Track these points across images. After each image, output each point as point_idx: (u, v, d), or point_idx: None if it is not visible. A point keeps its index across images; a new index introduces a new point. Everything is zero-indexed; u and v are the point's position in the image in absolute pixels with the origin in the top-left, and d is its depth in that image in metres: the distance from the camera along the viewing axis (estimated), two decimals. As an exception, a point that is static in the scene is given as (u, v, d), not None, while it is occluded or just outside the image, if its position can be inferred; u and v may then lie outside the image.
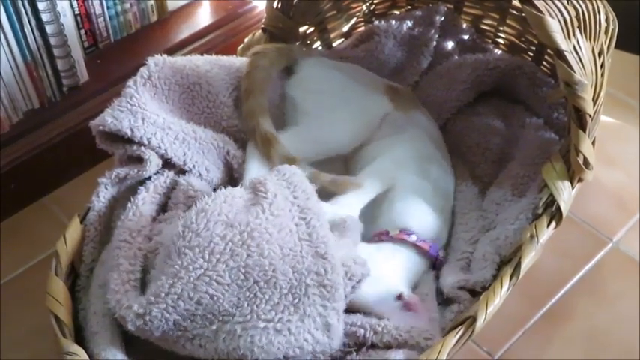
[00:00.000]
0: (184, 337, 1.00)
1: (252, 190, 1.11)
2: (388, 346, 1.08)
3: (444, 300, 1.17)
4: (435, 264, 1.24)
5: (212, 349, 0.99)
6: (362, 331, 1.09)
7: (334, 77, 1.38)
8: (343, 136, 1.32)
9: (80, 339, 1.05)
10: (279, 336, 0.99)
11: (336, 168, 1.32)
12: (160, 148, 1.20)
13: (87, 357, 0.99)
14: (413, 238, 1.22)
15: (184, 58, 1.30)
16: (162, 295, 0.99)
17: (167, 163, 1.23)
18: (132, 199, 1.16)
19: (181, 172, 1.24)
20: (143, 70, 1.25)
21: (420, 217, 1.25)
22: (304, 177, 1.15)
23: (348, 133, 1.33)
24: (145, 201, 1.17)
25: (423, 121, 1.39)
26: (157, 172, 1.22)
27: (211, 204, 1.06)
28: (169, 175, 1.22)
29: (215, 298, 0.99)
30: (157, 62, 1.26)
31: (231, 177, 1.27)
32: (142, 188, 1.18)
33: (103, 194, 1.19)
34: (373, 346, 1.09)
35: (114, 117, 1.18)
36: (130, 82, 1.24)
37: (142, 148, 1.19)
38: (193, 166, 1.23)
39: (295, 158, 1.24)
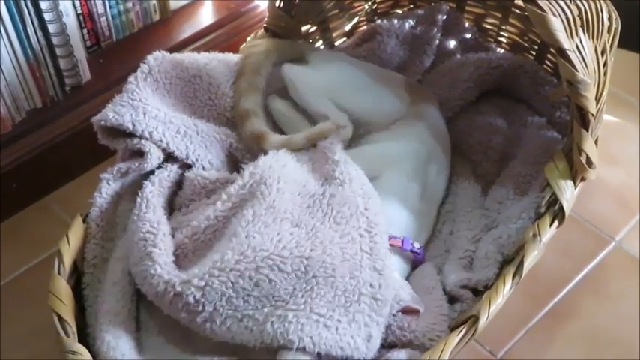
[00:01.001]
0: (233, 316, 1.01)
1: (324, 188, 1.16)
2: (392, 346, 1.08)
3: (448, 298, 1.17)
4: (416, 259, 1.23)
5: (258, 331, 1.00)
6: None
7: (353, 65, 1.41)
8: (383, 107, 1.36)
9: (83, 337, 1.05)
10: (327, 332, 1.01)
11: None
12: (161, 141, 1.20)
13: (89, 356, 0.99)
14: None
15: (182, 54, 1.31)
16: (227, 269, 1.01)
17: (170, 157, 1.23)
18: (140, 194, 1.16)
19: (185, 166, 1.24)
20: (143, 66, 1.26)
21: (394, 217, 1.24)
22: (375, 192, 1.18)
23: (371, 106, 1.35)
24: (154, 194, 1.17)
25: (434, 118, 1.39)
26: (160, 167, 1.22)
27: (277, 200, 1.10)
28: (173, 169, 1.22)
29: (273, 283, 1.01)
30: (156, 58, 1.27)
31: (237, 170, 1.27)
32: (147, 182, 1.19)
33: (106, 190, 1.19)
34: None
35: (115, 112, 1.19)
36: (131, 78, 1.24)
37: (143, 141, 1.19)
38: (196, 160, 1.23)
39: (264, 133, 1.26)
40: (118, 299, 1.07)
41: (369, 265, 1.07)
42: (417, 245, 1.23)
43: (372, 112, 1.34)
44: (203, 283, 1.00)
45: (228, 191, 1.14)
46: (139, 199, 1.16)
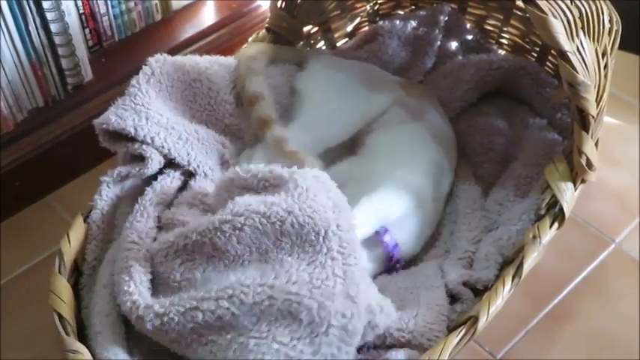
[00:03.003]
0: (198, 341, 1.00)
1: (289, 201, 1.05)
2: (391, 346, 1.09)
3: (449, 300, 1.17)
4: (392, 256, 1.22)
5: (222, 357, 0.99)
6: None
7: (341, 71, 1.40)
8: (338, 127, 1.34)
9: (83, 337, 1.05)
10: None
11: (342, 155, 1.33)
12: (163, 147, 1.20)
13: (90, 355, 1.00)
14: None
15: (184, 57, 1.31)
16: (187, 305, 0.99)
17: (172, 163, 1.23)
18: (139, 200, 1.16)
19: (187, 173, 1.24)
20: (146, 68, 1.26)
21: (406, 219, 1.25)
22: (346, 203, 1.09)
23: (344, 123, 1.34)
24: (152, 202, 1.17)
25: (434, 118, 1.39)
26: (163, 173, 1.22)
27: (243, 219, 1.03)
28: (175, 175, 1.22)
29: (236, 315, 0.99)
30: (157, 60, 1.28)
31: None
32: (148, 189, 1.19)
33: (106, 192, 1.19)
34: (375, 346, 1.09)
35: (118, 115, 1.19)
36: (134, 82, 1.24)
37: (144, 146, 1.19)
38: (198, 166, 1.23)
39: (269, 121, 1.26)
40: (108, 301, 1.07)
41: (343, 292, 1.00)
42: (387, 239, 1.21)
43: (349, 125, 1.35)
44: (162, 311, 0.99)
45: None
46: (137, 206, 1.16)
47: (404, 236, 1.24)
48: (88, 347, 1.02)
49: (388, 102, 1.37)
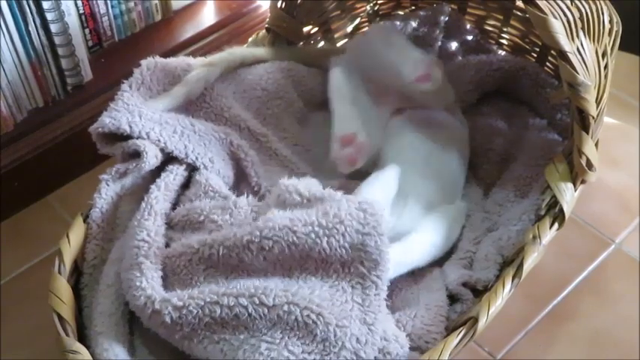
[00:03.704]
0: (210, 339, 1.00)
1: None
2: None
3: (448, 298, 1.17)
4: None
5: (231, 356, 0.99)
6: None
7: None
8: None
9: (83, 337, 1.05)
10: None
11: None
12: (159, 141, 1.21)
13: (89, 356, 0.99)
14: None
15: (177, 59, 1.30)
16: (208, 298, 0.99)
17: (174, 159, 1.23)
18: (145, 198, 1.16)
19: (190, 167, 1.24)
20: (137, 74, 1.26)
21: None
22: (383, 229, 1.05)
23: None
24: (159, 199, 1.17)
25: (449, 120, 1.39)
26: (166, 170, 1.22)
27: (271, 243, 1.04)
28: (178, 171, 1.22)
29: (252, 317, 0.99)
30: (149, 66, 1.27)
31: (239, 167, 1.28)
32: (153, 187, 1.19)
33: (105, 191, 1.19)
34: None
35: (111, 117, 1.19)
36: (125, 86, 1.25)
37: (137, 141, 1.19)
38: (196, 158, 1.23)
39: None
40: (112, 301, 1.07)
41: (359, 318, 1.01)
42: None
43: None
44: (181, 304, 0.99)
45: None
46: (143, 204, 1.16)
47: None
48: (88, 348, 1.02)
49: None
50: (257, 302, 0.99)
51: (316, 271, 1.05)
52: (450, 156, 1.33)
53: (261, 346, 0.98)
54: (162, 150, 1.21)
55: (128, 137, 1.20)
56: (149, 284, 1.03)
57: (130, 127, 1.19)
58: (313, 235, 1.03)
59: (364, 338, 1.00)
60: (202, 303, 0.99)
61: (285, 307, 0.99)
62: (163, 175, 1.21)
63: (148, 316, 1.01)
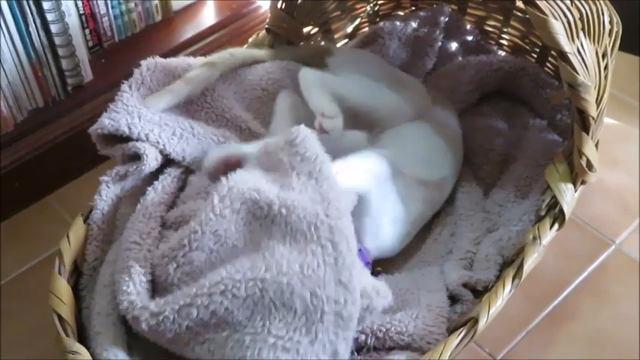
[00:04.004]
0: (195, 340, 1.00)
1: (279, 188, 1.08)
2: (391, 349, 1.09)
3: (449, 298, 1.17)
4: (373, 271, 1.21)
5: (220, 354, 0.99)
6: (363, 337, 1.10)
7: (371, 62, 1.41)
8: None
9: (83, 338, 1.05)
10: (287, 354, 0.98)
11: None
12: (158, 143, 1.21)
13: (89, 356, 1.00)
14: None
15: (177, 59, 1.31)
16: (181, 302, 0.99)
17: (172, 162, 1.23)
18: (141, 201, 1.16)
19: (188, 171, 1.24)
20: (137, 74, 1.26)
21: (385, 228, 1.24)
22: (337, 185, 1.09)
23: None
24: (154, 202, 1.17)
25: (452, 125, 1.39)
26: (164, 172, 1.22)
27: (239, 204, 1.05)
28: (175, 174, 1.23)
29: (229, 310, 0.99)
30: (149, 66, 1.27)
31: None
32: (150, 189, 1.19)
33: (105, 192, 1.19)
34: (375, 348, 1.09)
35: (111, 119, 1.19)
36: (125, 87, 1.25)
37: (137, 143, 1.19)
38: (192, 161, 1.23)
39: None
40: (109, 301, 1.07)
41: (334, 279, 1.00)
42: (368, 256, 1.22)
43: (382, 110, 1.34)
44: (157, 310, 0.99)
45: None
46: (139, 206, 1.16)
47: (379, 234, 1.24)
48: (88, 348, 1.02)
49: (411, 111, 1.37)
50: (230, 296, 0.98)
51: (283, 238, 1.04)
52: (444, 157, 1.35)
53: (245, 340, 0.98)
54: (160, 152, 1.21)
55: (128, 139, 1.20)
56: (135, 289, 1.03)
57: (130, 128, 1.19)
58: (273, 196, 1.05)
59: (342, 298, 0.99)
60: (177, 307, 0.98)
61: (258, 294, 0.98)
62: (161, 177, 1.22)
63: (130, 320, 1.01)
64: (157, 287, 1.06)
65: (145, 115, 1.21)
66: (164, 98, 1.25)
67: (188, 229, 1.05)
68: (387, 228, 1.24)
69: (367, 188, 1.20)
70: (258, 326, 0.98)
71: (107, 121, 1.19)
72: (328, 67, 1.38)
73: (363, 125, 1.32)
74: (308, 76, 1.31)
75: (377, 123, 1.33)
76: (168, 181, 1.21)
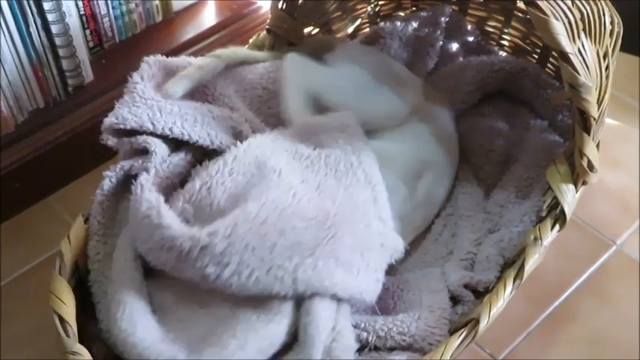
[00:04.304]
0: (260, 268, 1.00)
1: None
2: (392, 349, 1.08)
3: (450, 299, 1.17)
4: None
5: (290, 280, 1.00)
6: (365, 334, 1.09)
7: (364, 69, 1.41)
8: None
9: (83, 339, 1.05)
10: (351, 277, 1.05)
11: None
12: (182, 134, 1.19)
13: (90, 357, 0.99)
14: None
15: (177, 59, 1.30)
16: (251, 218, 1.01)
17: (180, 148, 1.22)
18: (134, 182, 1.12)
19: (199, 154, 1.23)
20: (144, 66, 1.25)
21: None
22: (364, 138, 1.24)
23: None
24: (148, 180, 1.13)
25: (444, 124, 1.39)
26: (165, 159, 1.20)
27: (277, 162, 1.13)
28: (172, 160, 1.19)
29: (298, 230, 1.03)
30: (149, 63, 1.26)
31: None
32: (142, 172, 1.15)
33: (107, 187, 1.17)
34: (376, 348, 1.09)
35: (132, 114, 1.17)
36: (137, 78, 1.23)
37: (148, 139, 1.17)
38: (221, 143, 1.22)
39: None
40: (129, 288, 1.05)
41: (376, 215, 1.13)
42: None
43: (373, 114, 1.34)
44: (229, 231, 1.00)
45: (224, 158, 1.15)
46: (133, 187, 1.12)
47: None
48: (106, 341, 1.02)
49: (406, 110, 1.37)
50: (297, 218, 1.05)
51: (327, 175, 1.16)
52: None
53: (318, 264, 1.02)
54: (186, 142, 1.20)
55: (136, 132, 1.18)
56: (184, 229, 1.02)
57: (153, 124, 1.17)
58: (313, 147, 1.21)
59: (384, 231, 1.13)
60: (249, 226, 1.01)
61: (321, 217, 1.07)
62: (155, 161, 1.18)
63: (194, 257, 1.00)
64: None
65: (165, 108, 1.20)
66: (182, 83, 1.25)
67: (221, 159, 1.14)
68: None
69: None
70: (327, 250, 1.04)
71: (130, 117, 1.17)
72: (326, 62, 1.39)
73: None
74: (291, 69, 1.33)
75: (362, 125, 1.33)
76: (164, 165, 1.18)
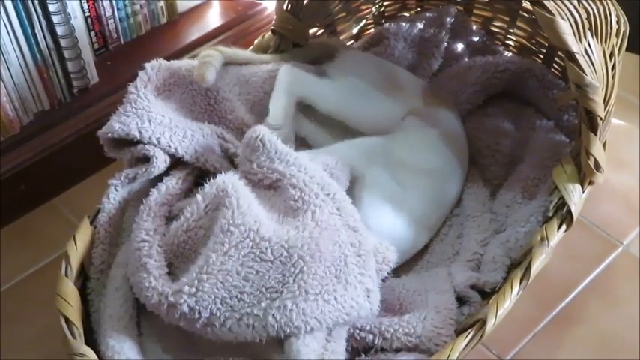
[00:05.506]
0: (232, 317, 1.01)
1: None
2: (398, 350, 1.08)
3: (456, 300, 1.17)
4: None
5: (261, 326, 1.01)
6: (371, 336, 1.09)
7: (362, 75, 1.40)
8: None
9: (90, 341, 1.05)
10: (329, 305, 1.03)
11: None
12: (169, 147, 1.20)
13: (96, 358, 1.00)
14: None
15: (180, 61, 1.31)
16: (214, 270, 1.01)
17: (179, 164, 1.23)
18: (144, 201, 1.16)
19: (194, 173, 1.24)
20: (142, 74, 1.26)
21: (385, 223, 1.24)
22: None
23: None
24: (157, 202, 1.17)
25: (451, 126, 1.39)
26: (169, 175, 1.22)
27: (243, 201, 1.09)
28: (180, 176, 1.22)
29: (261, 274, 1.02)
30: (153, 66, 1.27)
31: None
32: (153, 190, 1.19)
33: (113, 196, 1.19)
34: (382, 349, 1.09)
35: (121, 122, 1.19)
36: (132, 88, 1.24)
37: (147, 146, 1.19)
38: (206, 161, 1.23)
39: None
40: (121, 304, 1.07)
41: (344, 226, 1.10)
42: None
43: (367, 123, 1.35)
44: (194, 290, 1.01)
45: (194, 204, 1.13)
46: (142, 207, 1.15)
47: (382, 223, 1.24)
48: (97, 352, 1.02)
49: (403, 112, 1.37)
50: (259, 260, 1.03)
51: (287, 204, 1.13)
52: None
53: (287, 305, 1.01)
54: (172, 155, 1.21)
55: (137, 142, 1.19)
56: (158, 282, 1.04)
57: (140, 132, 1.19)
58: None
59: (356, 240, 1.10)
60: (214, 280, 1.01)
61: (285, 253, 1.04)
62: (166, 179, 1.21)
63: (165, 311, 1.02)
64: (177, 272, 1.08)
65: (155, 118, 1.21)
66: (210, 71, 1.26)
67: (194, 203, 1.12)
68: (390, 217, 1.24)
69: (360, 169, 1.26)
70: (294, 289, 1.02)
71: (117, 126, 1.18)
72: (326, 72, 1.39)
73: (346, 132, 1.35)
74: (283, 77, 1.34)
75: (357, 132, 1.34)
76: (172, 182, 1.21)
